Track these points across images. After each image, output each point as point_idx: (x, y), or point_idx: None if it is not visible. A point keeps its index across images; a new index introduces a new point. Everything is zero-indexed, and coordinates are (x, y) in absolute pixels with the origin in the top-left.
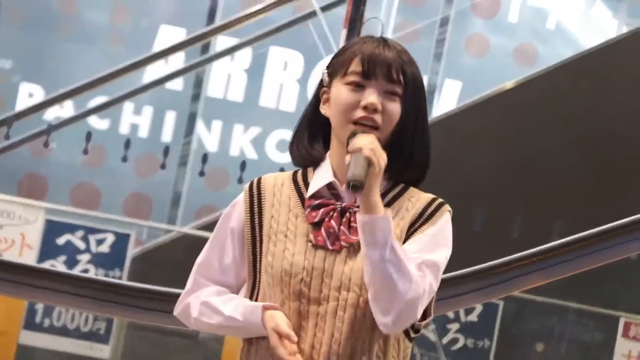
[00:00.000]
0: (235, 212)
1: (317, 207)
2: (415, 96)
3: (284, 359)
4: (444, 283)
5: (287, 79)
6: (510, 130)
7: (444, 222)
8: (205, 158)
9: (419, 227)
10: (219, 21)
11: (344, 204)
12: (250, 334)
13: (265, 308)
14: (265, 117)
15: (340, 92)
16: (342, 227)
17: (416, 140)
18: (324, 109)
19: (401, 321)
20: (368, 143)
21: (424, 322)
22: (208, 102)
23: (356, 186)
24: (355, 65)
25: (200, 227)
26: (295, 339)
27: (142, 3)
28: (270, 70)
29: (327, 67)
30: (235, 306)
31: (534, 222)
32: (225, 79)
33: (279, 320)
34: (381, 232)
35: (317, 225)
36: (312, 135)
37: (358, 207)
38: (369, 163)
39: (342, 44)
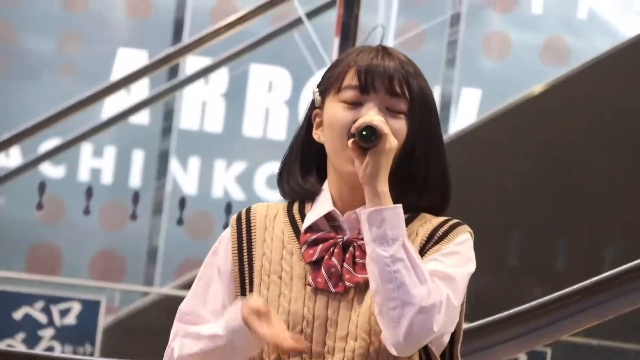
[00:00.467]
0: (222, 248)
1: (314, 243)
2: (423, 112)
3: (269, 338)
4: (477, 332)
5: (273, 101)
6: (543, 141)
7: (460, 241)
8: (183, 203)
9: (429, 248)
10: (186, 39)
11: (346, 237)
12: (240, 352)
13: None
14: (251, 149)
15: (335, 111)
16: (345, 265)
17: (430, 162)
18: (317, 134)
19: (415, 334)
20: (377, 118)
21: None
22: (181, 136)
23: (371, 130)
24: (351, 79)
25: (182, 286)
26: (269, 309)
27: (94, 25)
28: (253, 92)
29: (318, 85)
30: (219, 324)
31: (581, 249)
32: (200, 107)
33: (251, 301)
34: (390, 226)
35: (315, 265)
36: (305, 166)
37: (362, 239)
38: (380, 132)
39: (335, 55)
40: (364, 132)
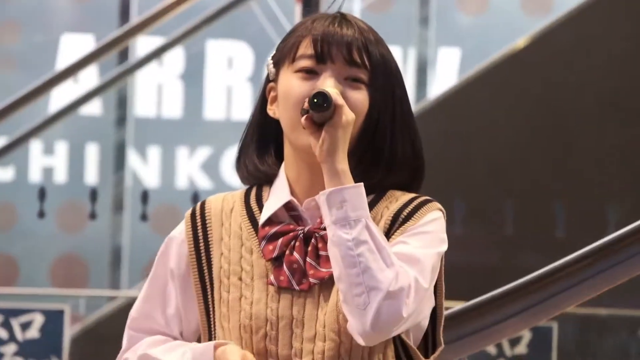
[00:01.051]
0: (174, 248)
1: (273, 238)
2: (386, 81)
3: None
4: (475, 311)
5: (235, 79)
6: (531, 98)
7: (428, 220)
8: (145, 197)
9: (395, 230)
10: (135, 18)
11: (307, 228)
12: None
13: (216, 346)
14: (214, 133)
15: (289, 82)
16: (308, 259)
17: (396, 134)
18: (272, 110)
19: (383, 321)
20: (332, 90)
21: (432, 356)
22: (138, 124)
23: (323, 97)
24: (305, 48)
25: None
26: None
27: (33, 11)
28: (212, 71)
29: (272, 57)
30: (183, 353)
31: (581, 213)
32: (156, 91)
33: (230, 355)
34: (352, 206)
35: (277, 261)
36: (261, 145)
37: (325, 229)
38: (333, 102)
39: (298, 21)
40: (315, 100)
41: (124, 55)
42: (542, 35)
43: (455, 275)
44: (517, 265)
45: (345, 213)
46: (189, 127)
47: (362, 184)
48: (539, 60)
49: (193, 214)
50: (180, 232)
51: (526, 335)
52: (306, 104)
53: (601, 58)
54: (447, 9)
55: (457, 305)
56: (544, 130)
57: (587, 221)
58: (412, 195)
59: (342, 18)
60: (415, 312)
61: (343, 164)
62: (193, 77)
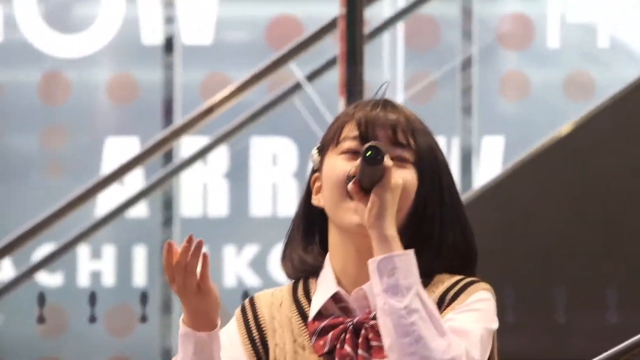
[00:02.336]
0: (227, 342)
1: (323, 332)
2: (434, 168)
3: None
4: None
5: (280, 175)
6: (579, 185)
7: (476, 299)
8: None
9: (441, 311)
10: (179, 120)
11: (355, 319)
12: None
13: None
14: (261, 231)
15: (334, 163)
16: (360, 351)
17: (446, 221)
18: (316, 199)
19: None
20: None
21: None
22: (184, 224)
23: (376, 150)
24: (349, 130)
25: None
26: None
27: (77, 115)
28: (257, 168)
29: (318, 147)
30: None
31: (635, 299)
32: (201, 191)
33: None
34: (403, 273)
35: (329, 356)
36: (306, 237)
37: (375, 319)
38: (384, 168)
39: None
40: (369, 153)
41: (168, 156)
42: (586, 120)
43: None
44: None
45: (397, 281)
46: (235, 225)
47: (412, 250)
48: (584, 146)
49: (243, 310)
50: (233, 326)
51: None
52: (353, 170)
53: None
54: (489, 97)
55: None
56: (592, 216)
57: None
58: (459, 277)
59: (386, 103)
60: None
61: (392, 229)
62: (238, 175)
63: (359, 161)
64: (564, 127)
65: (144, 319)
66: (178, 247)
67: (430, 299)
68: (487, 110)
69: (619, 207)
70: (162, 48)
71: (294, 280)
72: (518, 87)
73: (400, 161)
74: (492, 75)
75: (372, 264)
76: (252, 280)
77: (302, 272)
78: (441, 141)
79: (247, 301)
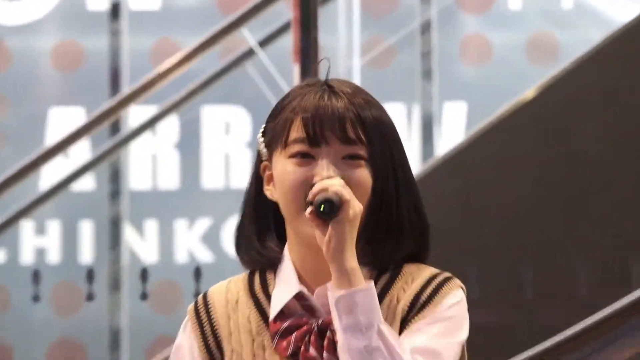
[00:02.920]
0: (186, 344)
1: (286, 333)
2: (385, 149)
3: None
4: None
5: (233, 145)
6: (545, 151)
7: (450, 304)
8: (144, 274)
9: (414, 316)
10: (126, 88)
11: (320, 321)
12: None
13: None
14: (214, 203)
15: (285, 169)
16: (325, 354)
17: (401, 204)
18: (268, 191)
19: None
20: (335, 183)
21: None
22: (133, 198)
23: (330, 205)
24: (297, 131)
25: None
26: None
27: (20, 84)
28: (208, 138)
29: (263, 134)
30: None
31: (605, 269)
32: (150, 163)
33: None
34: (363, 311)
35: (293, 358)
36: (260, 227)
37: None
38: (340, 201)
39: (296, 84)
40: (322, 208)
41: (115, 126)
42: (551, 84)
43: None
44: (541, 327)
45: (356, 319)
46: (186, 197)
47: (372, 283)
48: (550, 111)
49: (197, 311)
50: (188, 328)
51: None
52: (311, 195)
53: (614, 102)
54: (450, 61)
55: None
56: (559, 183)
57: (611, 280)
58: (430, 272)
59: (331, 88)
60: None
61: (352, 261)
62: (189, 145)
63: (315, 188)
64: (528, 92)
65: (90, 297)
66: None
67: (391, 330)
68: (448, 75)
69: (588, 174)
70: (108, 14)
71: (248, 274)
72: (479, 50)
73: (352, 159)
74: (452, 39)
75: (330, 298)
76: (204, 255)
77: (260, 264)
78: (400, 108)
79: (200, 300)
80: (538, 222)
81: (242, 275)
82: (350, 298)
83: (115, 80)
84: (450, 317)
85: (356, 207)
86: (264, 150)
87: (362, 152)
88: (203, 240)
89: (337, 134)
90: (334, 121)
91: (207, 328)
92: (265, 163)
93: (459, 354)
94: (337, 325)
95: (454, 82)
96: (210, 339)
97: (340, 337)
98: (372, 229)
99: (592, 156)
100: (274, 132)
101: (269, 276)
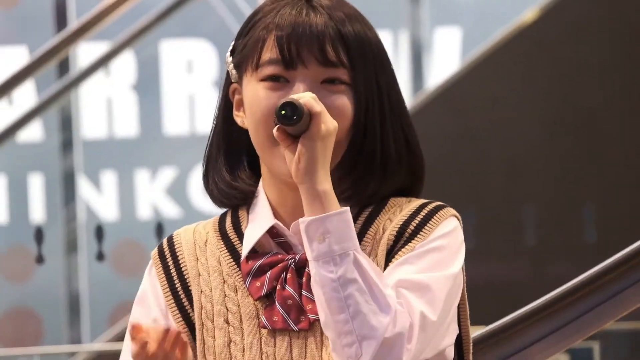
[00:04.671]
0: (150, 293)
1: (260, 272)
2: (369, 71)
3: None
4: (499, 334)
5: (197, 85)
6: (547, 82)
7: (441, 234)
8: (99, 232)
9: (400, 248)
10: (74, 23)
11: (298, 256)
12: None
13: None
14: (178, 152)
15: (255, 93)
16: (304, 292)
17: (387, 133)
18: (239, 117)
19: None
20: (305, 95)
21: None
22: (87, 147)
23: (291, 108)
24: (270, 51)
25: (118, 337)
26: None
27: None
28: (169, 78)
29: (232, 53)
30: None
31: (614, 215)
32: (105, 107)
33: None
34: (336, 237)
35: (267, 299)
36: (231, 158)
37: None
38: (310, 115)
39: None
40: (283, 112)
41: (64, 66)
42: (554, 5)
43: (472, 296)
44: (545, 278)
45: (329, 247)
46: (147, 145)
47: (347, 208)
48: (553, 36)
49: (161, 253)
50: (153, 274)
51: (562, 358)
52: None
53: (626, 27)
54: None
55: (477, 331)
56: (564, 119)
57: (620, 222)
58: (420, 201)
59: (308, 3)
60: (425, 350)
61: (324, 184)
62: (147, 85)
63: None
64: (528, 14)
65: (40, 259)
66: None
67: (372, 264)
68: None
69: (596, 107)
70: None
71: (219, 216)
72: None
73: (331, 83)
74: None
75: (301, 225)
76: (169, 209)
77: (231, 199)
78: (387, 36)
79: (165, 242)
80: (540, 161)
81: (212, 219)
82: (321, 223)
83: (60, 14)
84: (442, 248)
85: (329, 124)
86: (234, 73)
87: (344, 75)
88: (167, 193)
89: (316, 55)
90: (312, 40)
91: (173, 271)
92: (234, 85)
93: (455, 289)
94: (308, 255)
95: (446, 5)
96: (177, 283)
97: (312, 269)
98: (353, 162)
99: (604, 88)
100: (244, 52)
101: (242, 214)
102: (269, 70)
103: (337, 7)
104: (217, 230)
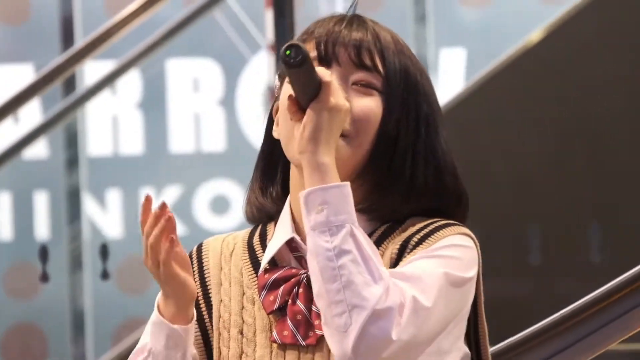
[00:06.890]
0: None
1: (274, 286)
2: (409, 95)
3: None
4: (503, 355)
5: (203, 104)
6: (555, 101)
7: (445, 245)
8: (104, 251)
9: (402, 259)
10: (80, 41)
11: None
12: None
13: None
14: (183, 169)
15: (287, 92)
16: (314, 308)
17: (418, 153)
18: (276, 132)
19: (367, 345)
20: (321, 68)
21: None
22: (93, 165)
23: (296, 50)
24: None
25: (123, 355)
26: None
27: None
28: (175, 96)
29: (278, 72)
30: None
31: (619, 234)
32: (111, 125)
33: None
34: (334, 209)
35: (280, 312)
36: (266, 176)
37: None
38: (320, 83)
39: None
40: (288, 52)
41: (70, 84)
42: (560, 25)
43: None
44: (550, 297)
45: (326, 217)
46: (152, 163)
47: (347, 183)
48: (559, 56)
49: (190, 257)
50: None
51: None
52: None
53: (633, 44)
54: (446, 3)
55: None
56: (570, 138)
57: (627, 243)
58: (434, 220)
59: (354, 19)
60: (416, 339)
61: (326, 156)
62: (153, 104)
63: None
64: (534, 35)
65: (45, 277)
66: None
67: (370, 241)
68: (445, 18)
69: (603, 128)
70: None
71: (251, 228)
72: None
73: (363, 86)
74: None
75: (300, 197)
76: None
77: (260, 212)
78: None
79: (195, 249)
80: (547, 182)
81: (246, 229)
82: (320, 194)
83: (67, 32)
84: (444, 256)
85: (339, 99)
86: (277, 84)
87: (377, 82)
88: (172, 211)
89: (351, 55)
90: (349, 42)
91: (196, 277)
92: (277, 103)
93: (461, 292)
94: (306, 226)
95: (452, 26)
96: (199, 290)
97: (309, 240)
98: (380, 176)
99: (610, 110)
100: None
101: (269, 227)
102: None
103: (385, 33)
104: (246, 241)
